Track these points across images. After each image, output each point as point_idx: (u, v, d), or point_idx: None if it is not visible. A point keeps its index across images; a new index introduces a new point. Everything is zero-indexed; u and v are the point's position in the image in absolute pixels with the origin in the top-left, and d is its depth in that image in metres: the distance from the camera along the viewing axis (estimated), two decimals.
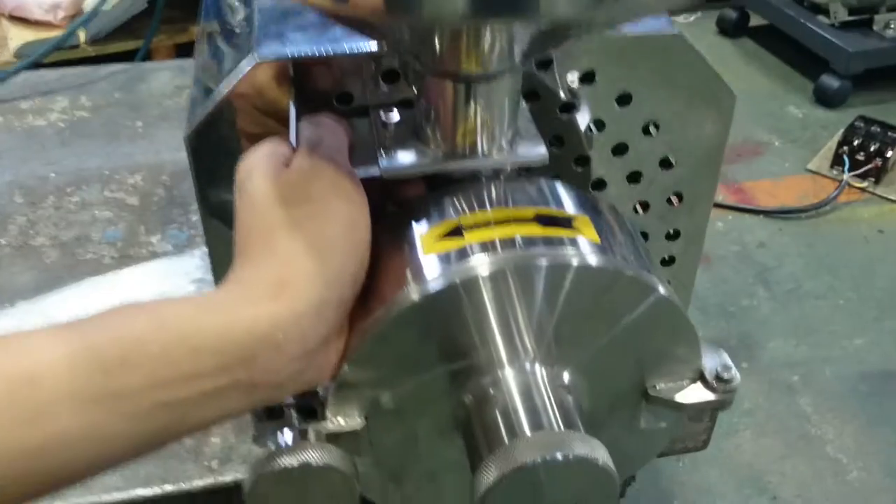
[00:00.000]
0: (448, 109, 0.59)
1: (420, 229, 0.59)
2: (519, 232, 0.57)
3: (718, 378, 0.71)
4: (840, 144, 2.35)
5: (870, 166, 2.29)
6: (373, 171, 0.60)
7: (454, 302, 0.56)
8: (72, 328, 0.44)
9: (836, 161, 2.35)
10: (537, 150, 0.64)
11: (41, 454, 0.41)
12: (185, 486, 0.98)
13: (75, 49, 2.20)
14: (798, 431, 1.67)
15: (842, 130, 2.38)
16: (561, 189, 0.62)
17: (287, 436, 0.58)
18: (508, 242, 0.56)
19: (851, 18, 2.67)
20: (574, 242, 0.57)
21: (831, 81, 2.65)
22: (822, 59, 2.67)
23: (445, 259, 0.56)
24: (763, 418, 1.69)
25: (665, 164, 0.77)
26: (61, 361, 0.42)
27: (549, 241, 0.57)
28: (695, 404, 0.72)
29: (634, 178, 0.77)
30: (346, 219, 0.52)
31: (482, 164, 0.62)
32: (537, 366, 0.65)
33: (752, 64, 2.93)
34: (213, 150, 0.65)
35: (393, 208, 0.64)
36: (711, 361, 0.73)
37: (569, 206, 0.61)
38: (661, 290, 0.60)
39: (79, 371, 0.42)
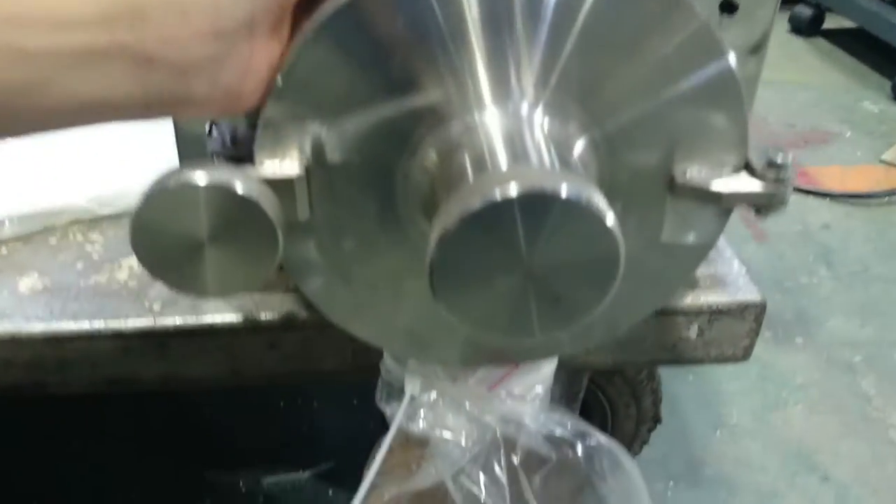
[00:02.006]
0: None
1: None
2: None
3: (770, 164, 0.55)
4: None
5: None
6: None
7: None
8: None
9: None
10: None
11: None
12: (116, 324, 0.83)
13: None
14: (857, 412, 1.45)
15: None
16: None
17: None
18: None
19: None
20: None
21: None
22: None
23: None
24: (817, 395, 1.49)
25: None
26: None
27: None
28: (735, 194, 0.56)
29: None
30: None
31: None
32: (537, 112, 0.51)
33: (825, 61, 2.74)
34: None
35: None
36: (759, 150, 0.58)
37: None
38: (701, 16, 0.47)
39: None
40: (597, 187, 0.47)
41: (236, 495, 1.27)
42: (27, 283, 0.88)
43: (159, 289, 0.88)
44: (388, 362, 0.74)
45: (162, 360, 0.86)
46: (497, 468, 0.72)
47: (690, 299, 0.90)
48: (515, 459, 0.73)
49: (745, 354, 0.94)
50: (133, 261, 0.92)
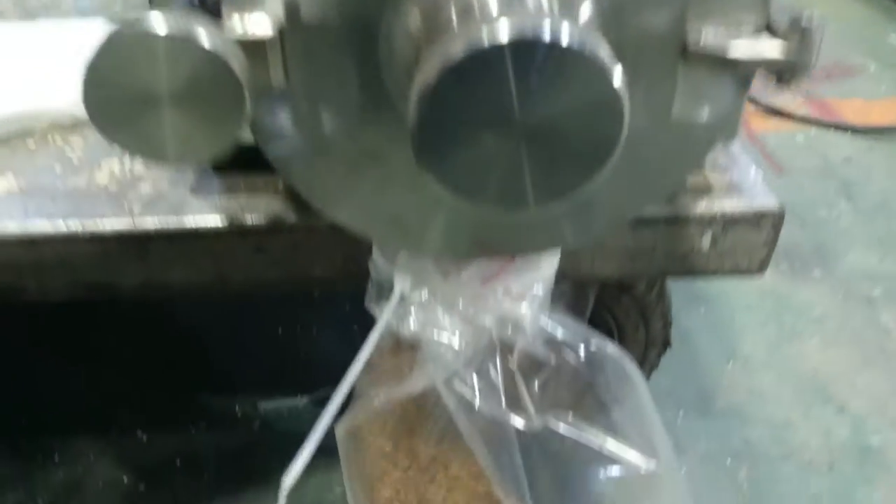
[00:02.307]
0: None
1: None
2: None
3: (794, 24, 0.49)
4: None
5: None
6: None
7: None
8: None
9: None
10: None
11: None
12: (93, 225, 0.79)
13: None
14: (876, 345, 1.40)
15: None
16: None
17: None
18: None
19: None
20: None
21: None
22: None
23: None
24: (834, 328, 1.43)
25: None
26: None
27: None
28: (755, 60, 0.51)
29: None
30: None
31: None
32: None
33: None
34: None
35: None
36: (781, 9, 0.52)
37: None
38: None
39: None
40: (602, 38, 0.42)
41: (232, 421, 1.24)
42: (2, 184, 0.84)
43: (141, 191, 0.83)
44: (376, 260, 0.70)
45: (143, 264, 0.82)
46: (492, 372, 0.67)
47: (704, 206, 0.84)
48: (512, 363, 0.68)
49: (762, 267, 0.88)
50: (115, 164, 0.88)
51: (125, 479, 1.14)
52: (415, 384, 0.69)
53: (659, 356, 1.14)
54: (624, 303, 1.05)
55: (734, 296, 1.50)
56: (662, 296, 1.07)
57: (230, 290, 0.84)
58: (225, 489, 1.14)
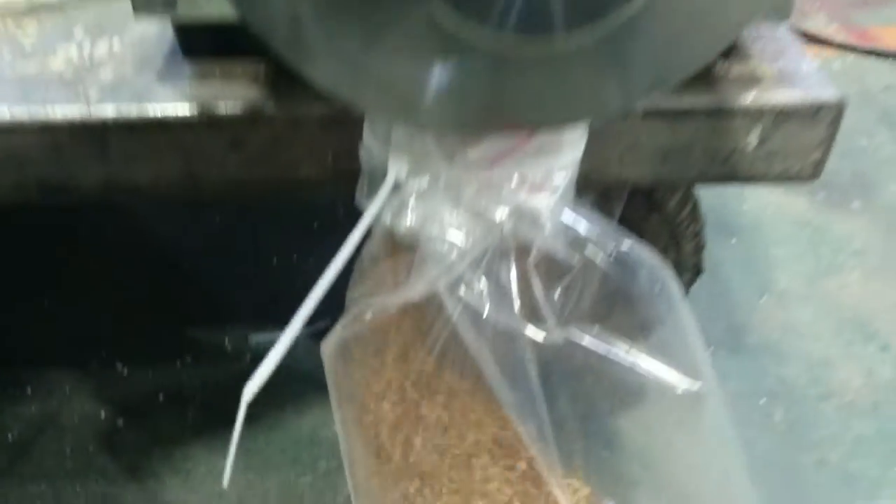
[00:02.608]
0: None
1: None
2: None
3: None
4: None
5: None
6: None
7: None
8: None
9: None
10: None
11: None
12: (42, 114, 0.68)
13: None
14: None
15: None
16: None
17: None
18: None
19: None
20: None
21: None
22: None
23: None
24: (877, 261, 1.32)
25: None
26: None
27: None
28: None
29: None
30: None
31: None
32: None
33: None
34: None
35: None
36: None
37: None
38: None
39: None
40: None
41: (220, 354, 1.15)
42: None
43: (100, 77, 0.72)
44: (368, 144, 0.58)
45: (102, 160, 0.71)
46: (505, 275, 0.56)
47: (752, 97, 0.73)
48: (529, 266, 0.57)
49: (815, 172, 0.77)
50: (72, 50, 0.76)
51: (103, 413, 1.05)
52: (412, 291, 0.58)
53: (689, 284, 1.02)
54: (653, 222, 0.94)
55: (768, 227, 1.38)
56: (695, 215, 0.96)
57: (204, 192, 0.73)
58: (210, 427, 1.05)
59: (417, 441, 0.64)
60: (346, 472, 0.74)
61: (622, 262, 0.57)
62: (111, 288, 1.22)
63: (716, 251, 1.30)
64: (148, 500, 0.97)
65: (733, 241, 1.35)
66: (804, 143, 0.75)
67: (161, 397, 1.07)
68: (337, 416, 0.66)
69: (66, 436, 1.02)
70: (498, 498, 0.65)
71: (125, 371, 1.10)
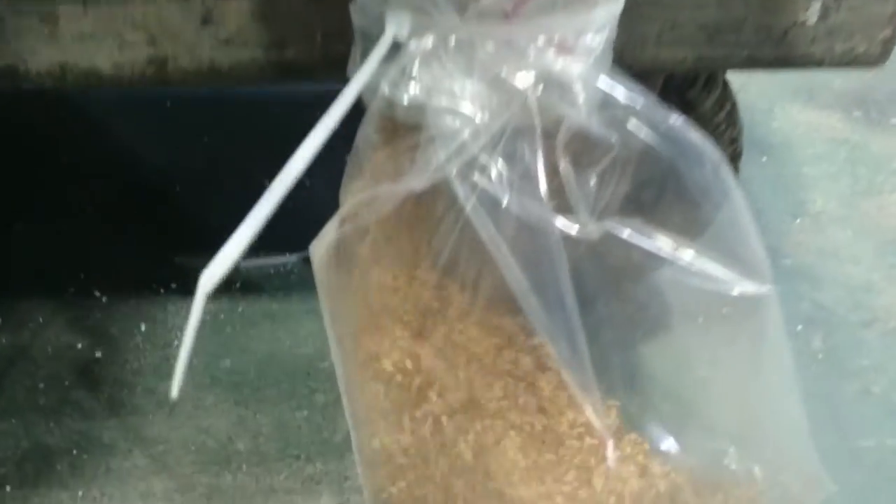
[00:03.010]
0: None
1: None
2: None
3: None
4: None
5: None
6: None
7: None
8: None
9: None
10: None
11: None
12: None
13: None
14: None
15: None
16: None
17: None
18: None
19: None
20: None
21: None
22: None
23: None
24: None
25: None
26: None
27: None
28: None
29: None
30: None
31: None
32: None
33: None
34: None
35: None
36: None
37: None
38: None
39: None
40: None
41: None
42: None
43: None
44: None
45: (51, 40, 0.61)
46: (528, 156, 0.46)
47: None
48: (557, 145, 0.47)
49: (883, 54, 0.66)
50: None
51: (79, 344, 0.97)
52: (417, 179, 0.48)
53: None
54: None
55: (800, 146, 1.28)
56: (733, 118, 0.86)
57: (171, 77, 0.63)
58: (197, 359, 0.96)
59: (424, 359, 0.54)
60: (344, 402, 0.65)
61: (671, 140, 0.47)
62: (90, 212, 1.13)
63: (745, 169, 1.19)
64: (129, 437, 0.88)
65: (763, 159, 1.25)
66: (872, 19, 0.64)
67: (143, 327, 0.99)
68: (331, 333, 0.57)
69: (40, 369, 0.94)
70: (515, 419, 0.56)
71: (104, 299, 1.02)
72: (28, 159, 1.18)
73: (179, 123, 1.27)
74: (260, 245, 1.12)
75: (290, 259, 1.08)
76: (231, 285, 1.05)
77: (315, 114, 0.51)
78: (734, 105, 0.85)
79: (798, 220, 1.16)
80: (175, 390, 0.45)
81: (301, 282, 1.05)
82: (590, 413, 0.48)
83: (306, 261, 1.07)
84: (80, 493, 0.83)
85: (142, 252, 1.08)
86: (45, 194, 1.15)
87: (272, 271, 1.07)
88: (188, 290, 1.09)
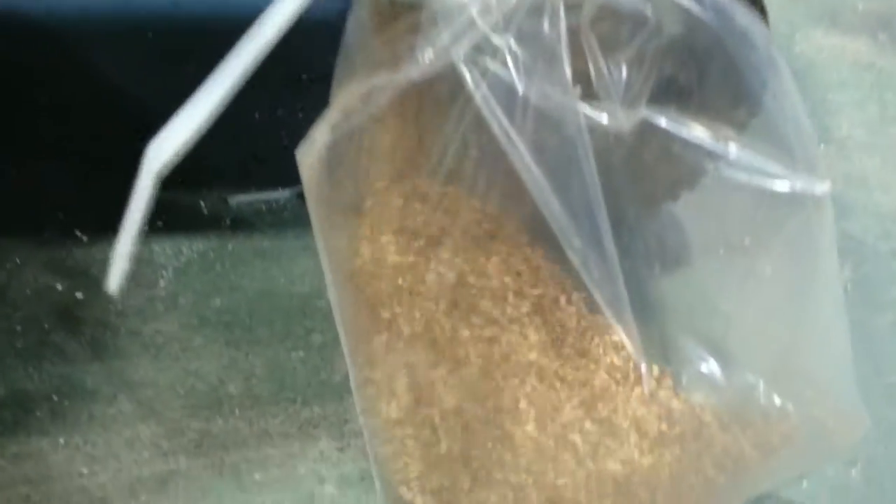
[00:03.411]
0: None
1: None
2: None
3: None
4: None
5: None
6: None
7: None
8: None
9: None
10: None
11: None
12: None
13: None
14: None
15: None
16: None
17: None
18: None
19: None
20: None
21: None
22: None
23: None
24: None
25: None
26: None
27: None
28: None
29: None
30: None
31: None
32: None
33: None
34: None
35: None
36: None
37: None
38: None
39: None
40: None
41: (196, 219, 0.99)
42: None
43: None
44: None
45: None
46: (549, 35, 0.39)
47: None
48: (582, 22, 0.40)
49: None
50: None
51: (59, 286, 0.90)
52: (418, 66, 0.41)
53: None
54: None
55: (823, 71, 1.21)
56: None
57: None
58: (185, 298, 0.90)
59: (429, 284, 0.48)
60: (340, 334, 0.60)
61: (716, 11, 0.40)
62: (69, 146, 1.06)
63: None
64: (113, 381, 0.83)
65: None
66: None
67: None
68: (323, 254, 0.51)
69: (17, 312, 0.88)
70: (533, 363, 0.50)
71: (85, 238, 0.95)
72: (2, 97, 1.11)
73: (161, 55, 1.20)
74: (251, 180, 1.07)
75: (282, 194, 1.01)
76: (220, 222, 0.99)
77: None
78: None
79: (822, 147, 1.10)
80: (112, 285, 0.39)
81: (295, 218, 0.99)
82: (621, 334, 0.42)
83: (300, 196, 1.00)
84: (61, 441, 0.78)
85: (124, 190, 1.02)
86: (21, 132, 1.09)
87: (264, 207, 1.00)
88: (173, 225, 1.04)
